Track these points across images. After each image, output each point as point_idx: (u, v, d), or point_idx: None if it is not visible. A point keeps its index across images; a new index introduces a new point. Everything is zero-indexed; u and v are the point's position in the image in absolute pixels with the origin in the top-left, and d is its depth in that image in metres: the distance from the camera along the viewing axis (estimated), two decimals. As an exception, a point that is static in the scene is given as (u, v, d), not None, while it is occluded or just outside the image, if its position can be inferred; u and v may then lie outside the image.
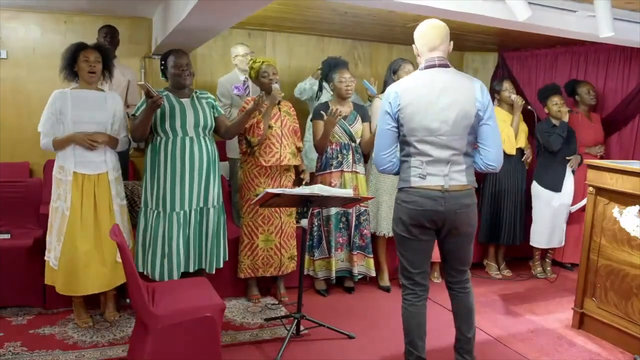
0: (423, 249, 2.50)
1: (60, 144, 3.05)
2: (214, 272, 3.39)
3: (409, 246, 2.50)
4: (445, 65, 2.42)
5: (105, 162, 3.14)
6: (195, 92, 3.33)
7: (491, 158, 2.41)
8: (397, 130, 2.43)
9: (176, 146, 3.17)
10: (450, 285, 2.64)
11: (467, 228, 2.48)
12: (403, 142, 2.45)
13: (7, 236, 3.48)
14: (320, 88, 4.77)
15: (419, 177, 2.38)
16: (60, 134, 3.04)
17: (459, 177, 2.39)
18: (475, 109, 2.36)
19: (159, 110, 3.14)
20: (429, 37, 2.43)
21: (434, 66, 2.41)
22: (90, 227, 3.05)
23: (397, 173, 2.52)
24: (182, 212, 3.21)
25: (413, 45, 2.50)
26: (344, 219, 3.82)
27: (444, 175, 2.37)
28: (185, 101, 3.24)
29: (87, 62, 3.04)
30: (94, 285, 3.09)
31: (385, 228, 3.94)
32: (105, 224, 3.06)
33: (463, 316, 2.64)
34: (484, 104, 2.37)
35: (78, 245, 3.01)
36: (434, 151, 2.36)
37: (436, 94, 2.36)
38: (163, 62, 3.31)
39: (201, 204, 3.28)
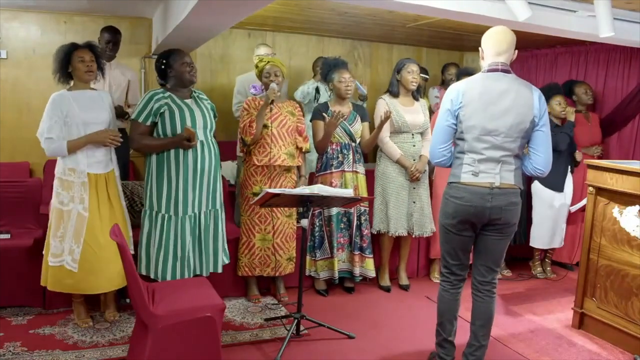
0: (462, 244, 2.60)
1: (76, 146, 3.00)
2: (222, 270, 3.38)
3: (450, 239, 2.61)
4: (507, 71, 2.51)
5: (111, 160, 3.17)
6: (195, 92, 3.30)
7: (541, 163, 2.52)
8: (455, 127, 2.52)
9: (188, 151, 3.12)
10: (478, 286, 2.66)
11: (511, 226, 2.56)
12: (459, 138, 2.53)
13: (7, 236, 3.47)
14: (318, 90, 4.75)
15: (472, 174, 2.48)
16: (68, 137, 3.01)
17: (508, 177, 2.50)
18: (532, 115, 2.46)
19: (167, 113, 3.10)
20: (498, 41, 2.51)
21: (497, 70, 2.50)
22: (108, 225, 3.01)
23: (450, 166, 2.61)
24: (193, 214, 3.20)
25: (480, 48, 2.57)
26: (345, 219, 3.81)
27: (495, 174, 2.47)
28: (190, 102, 3.21)
29: (83, 62, 3.02)
30: (109, 283, 3.10)
31: (393, 228, 3.90)
32: (120, 221, 3.08)
33: (483, 322, 2.64)
34: (541, 112, 2.48)
35: (101, 244, 3.01)
36: (488, 151, 2.46)
37: (497, 97, 2.45)
38: (164, 62, 3.18)
39: (210, 206, 3.26)
